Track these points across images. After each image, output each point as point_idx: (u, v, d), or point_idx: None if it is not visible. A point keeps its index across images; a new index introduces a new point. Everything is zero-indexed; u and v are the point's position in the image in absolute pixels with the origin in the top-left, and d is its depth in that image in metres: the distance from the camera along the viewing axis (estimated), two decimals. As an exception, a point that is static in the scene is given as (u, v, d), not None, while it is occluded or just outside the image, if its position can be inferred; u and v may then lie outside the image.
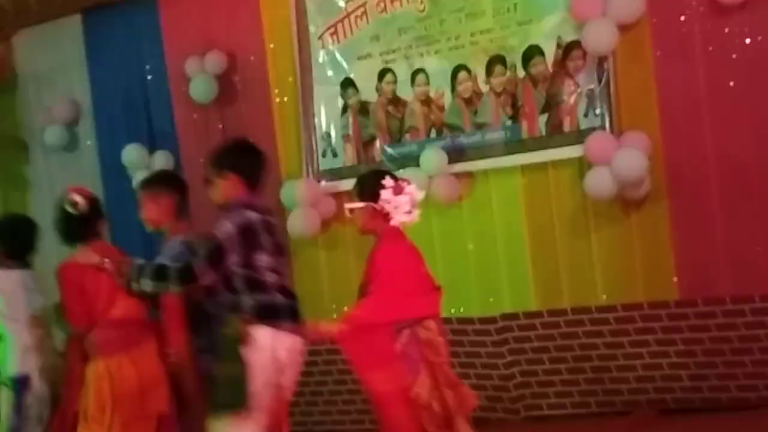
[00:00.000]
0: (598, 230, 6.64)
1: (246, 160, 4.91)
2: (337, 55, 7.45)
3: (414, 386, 4.50)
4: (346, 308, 7.39)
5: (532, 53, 6.73)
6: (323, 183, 7.44)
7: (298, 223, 7.28)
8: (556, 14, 6.64)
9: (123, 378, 5.08)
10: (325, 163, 7.51)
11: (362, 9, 7.31)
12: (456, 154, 6.94)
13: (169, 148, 8.06)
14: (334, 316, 7.48)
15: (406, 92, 7.20)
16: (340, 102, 7.47)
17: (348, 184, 7.31)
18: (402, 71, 7.20)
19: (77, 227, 5.29)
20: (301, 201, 7.30)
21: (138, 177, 8.02)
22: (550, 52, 6.67)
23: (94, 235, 5.36)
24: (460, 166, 6.97)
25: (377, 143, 7.33)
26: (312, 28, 7.53)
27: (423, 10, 7.09)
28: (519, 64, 6.77)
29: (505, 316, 6.96)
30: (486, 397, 6.93)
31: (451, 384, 4.59)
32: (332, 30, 7.45)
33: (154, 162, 8.00)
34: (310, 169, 7.52)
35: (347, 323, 4.69)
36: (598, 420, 6.70)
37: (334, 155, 7.50)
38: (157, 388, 5.09)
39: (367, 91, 7.34)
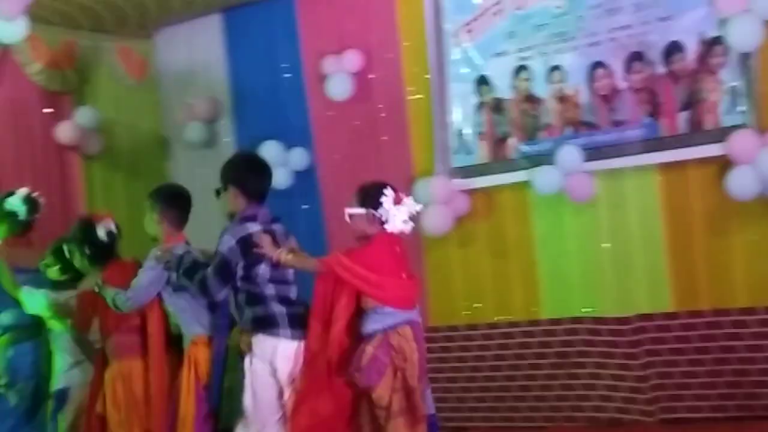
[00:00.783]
0: (740, 231, 6.49)
1: (248, 174, 5.09)
2: (472, 53, 7.44)
3: (377, 388, 4.69)
4: (478, 305, 7.46)
5: (672, 49, 6.60)
6: (456, 180, 7.45)
7: (431, 220, 7.31)
8: (699, 9, 6.50)
9: (132, 381, 5.49)
10: (459, 161, 7.52)
11: (498, 6, 7.29)
12: (592, 152, 6.87)
13: (305, 145, 8.18)
14: (466, 313, 7.52)
15: (541, 89, 7.15)
16: (474, 99, 7.46)
17: (481, 181, 7.37)
18: (538, 68, 7.16)
19: (104, 253, 5.74)
20: (434, 198, 7.32)
21: (276, 174, 8.20)
22: (692, 48, 6.54)
23: (114, 257, 5.82)
24: (596, 164, 6.89)
25: (511, 141, 7.30)
26: (447, 26, 7.55)
27: (560, 7, 7.03)
28: (659, 60, 6.66)
29: (641, 317, 6.85)
30: (621, 399, 6.85)
31: (406, 389, 4.76)
32: (468, 27, 7.45)
33: (291, 158, 8.15)
34: (443, 167, 7.53)
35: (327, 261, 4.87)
36: (737, 424, 6.54)
37: (468, 153, 7.49)
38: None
39: (502, 89, 7.32)
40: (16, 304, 6.00)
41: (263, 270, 4.82)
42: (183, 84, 8.95)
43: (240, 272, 4.78)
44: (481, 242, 7.41)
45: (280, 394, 4.81)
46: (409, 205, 4.87)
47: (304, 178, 8.22)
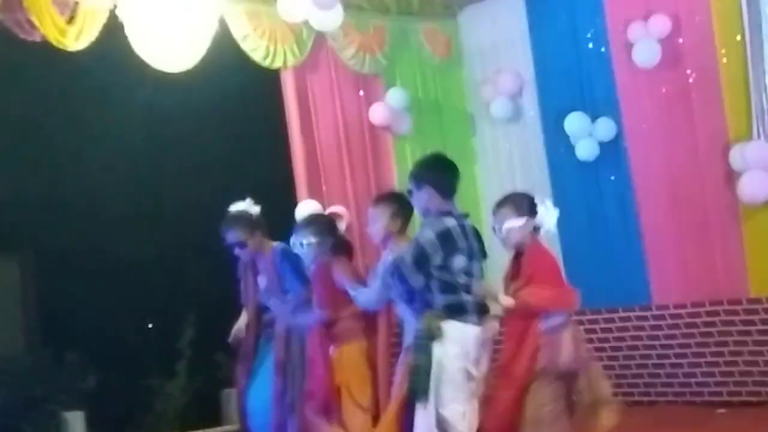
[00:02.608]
0: None
1: (440, 173, 5.17)
2: (789, 10, 7.04)
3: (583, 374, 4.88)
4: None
5: None
6: (776, 144, 7.08)
7: (750, 187, 6.99)
8: None
9: (351, 364, 5.89)
10: (777, 124, 7.14)
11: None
12: None
13: (611, 114, 8.06)
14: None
15: None
16: (794, 58, 7.05)
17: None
18: None
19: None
20: (753, 164, 6.99)
21: (581, 145, 8.16)
22: None
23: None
24: None
25: (837, 100, 6.84)
26: (761, -17, 7.18)
27: None
28: None
29: None
30: None
31: (600, 376, 5.04)
32: (786, -18, 7.05)
33: (597, 129, 8.06)
34: (761, 130, 7.17)
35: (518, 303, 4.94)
36: None
37: (787, 115, 7.10)
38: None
39: (825, 45, 6.87)
40: None
41: (458, 261, 4.98)
42: (487, 61, 9.07)
43: (438, 262, 4.94)
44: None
45: (468, 375, 4.95)
46: (552, 209, 5.09)
47: (611, 148, 8.10)
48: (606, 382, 4.96)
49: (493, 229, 5.15)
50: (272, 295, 6.37)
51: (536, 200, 5.10)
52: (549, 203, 5.09)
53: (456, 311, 4.95)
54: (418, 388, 4.88)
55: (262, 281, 6.46)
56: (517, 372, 4.88)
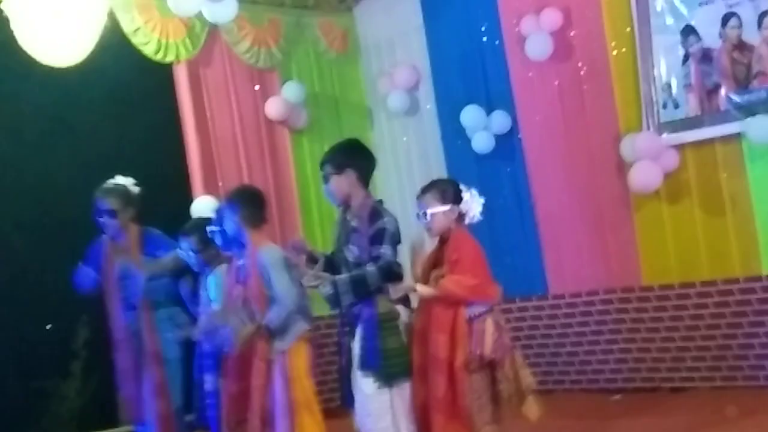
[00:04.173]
0: None
1: (363, 159, 5.25)
2: (677, 2, 7.19)
3: (506, 364, 4.84)
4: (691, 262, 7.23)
5: None
6: (665, 135, 7.23)
7: (640, 177, 7.14)
8: None
9: None
10: (666, 115, 7.29)
11: (704, -49, 7.02)
12: (810, 99, 6.53)
13: (506, 107, 8.15)
14: (674, 272, 7.31)
15: (752, 36, 6.83)
16: (680, 51, 7.21)
17: (691, 135, 7.13)
18: (747, 14, 6.83)
19: None
20: (642, 154, 7.14)
21: (477, 138, 8.22)
22: None
23: None
24: (815, 112, 6.54)
25: (722, 91, 7.01)
26: (649, -23, 7.32)
27: (769, -52, 6.69)
28: None
29: None
30: None
31: (523, 365, 4.93)
32: (672, -24, 7.21)
33: (492, 122, 8.14)
34: (650, 122, 7.33)
35: (439, 291, 4.90)
36: None
37: (676, 106, 7.26)
38: None
39: (710, 38, 7.03)
40: None
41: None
42: (384, 54, 9.11)
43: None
44: (693, 198, 7.18)
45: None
46: (477, 198, 5.07)
47: (506, 141, 8.19)
48: (529, 372, 4.91)
49: (417, 215, 5.09)
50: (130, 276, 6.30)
51: (461, 188, 5.08)
52: (474, 191, 5.08)
53: (403, 297, 5.02)
54: (399, 370, 4.90)
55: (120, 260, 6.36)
56: (457, 362, 4.82)
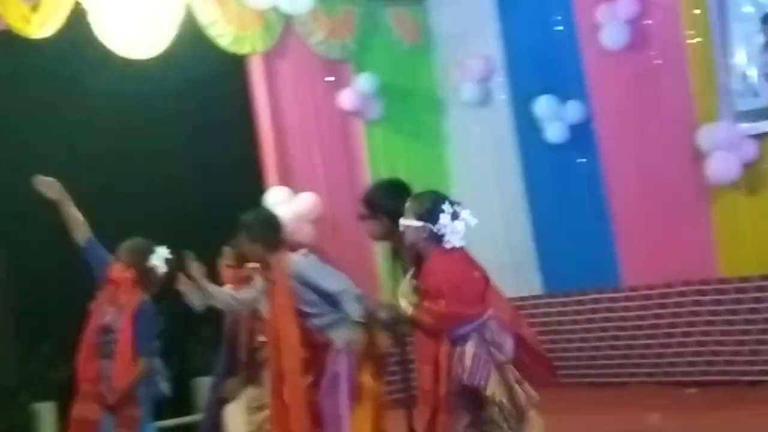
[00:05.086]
0: None
1: (397, 202, 4.78)
2: (757, -11, 7.07)
3: (488, 387, 4.42)
4: None
5: None
6: (743, 125, 7.10)
7: (717, 167, 7.02)
8: None
9: None
10: (744, 104, 7.17)
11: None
12: None
13: (580, 97, 8.07)
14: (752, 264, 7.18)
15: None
16: (759, 39, 7.07)
17: (770, 125, 6.99)
18: (830, 0, 6.69)
19: None
20: (720, 145, 7.02)
21: (550, 128, 8.17)
22: None
23: None
24: None
25: (802, 80, 6.88)
26: (727, -36, 7.19)
27: None
28: None
29: None
30: None
31: (518, 380, 4.48)
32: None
33: (566, 112, 8.07)
34: (727, 111, 7.20)
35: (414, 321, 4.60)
36: None
37: (754, 95, 7.13)
38: None
39: (791, 25, 6.90)
40: None
41: None
42: (457, 45, 9.06)
43: None
44: (773, 187, 7.05)
45: None
46: (467, 220, 4.55)
47: (581, 131, 8.12)
48: (524, 387, 4.49)
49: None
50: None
51: (446, 207, 4.55)
52: (467, 214, 4.57)
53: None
54: None
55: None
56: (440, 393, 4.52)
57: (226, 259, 5.73)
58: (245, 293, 5.44)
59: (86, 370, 5.32)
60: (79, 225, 5.41)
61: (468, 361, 4.44)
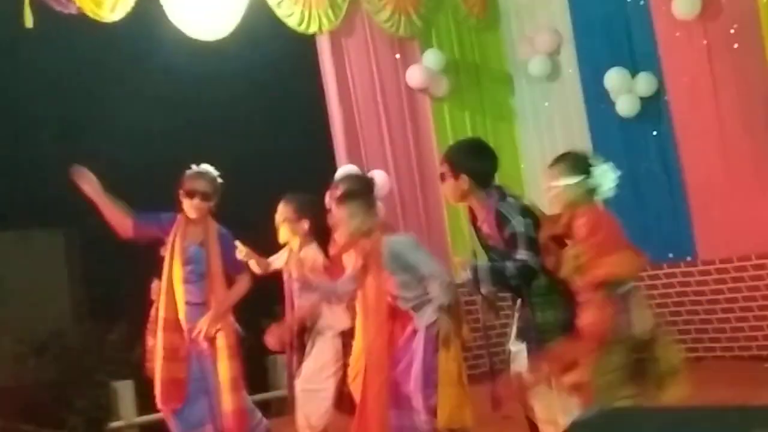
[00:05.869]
0: None
1: (479, 162, 4.84)
2: (834, -47, 6.88)
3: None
4: None
5: None
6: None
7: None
8: None
9: None
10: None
11: None
12: None
13: (651, 69, 7.95)
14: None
15: None
16: (838, 4, 6.90)
17: None
18: None
19: None
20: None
21: (621, 101, 8.05)
22: None
23: None
24: None
25: None
26: (804, -73, 7.01)
27: None
28: None
29: None
30: None
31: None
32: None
33: (637, 84, 7.95)
34: (806, 80, 7.04)
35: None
36: None
37: (834, 62, 6.96)
38: None
39: None
40: None
41: None
42: (524, 19, 8.98)
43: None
44: None
45: None
46: (610, 171, 4.59)
47: (652, 104, 8.00)
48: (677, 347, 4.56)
49: (546, 187, 4.81)
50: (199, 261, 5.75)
51: (593, 161, 4.68)
52: (608, 165, 4.67)
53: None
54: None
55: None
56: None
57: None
58: (346, 283, 5.42)
59: None
60: (118, 218, 5.42)
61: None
